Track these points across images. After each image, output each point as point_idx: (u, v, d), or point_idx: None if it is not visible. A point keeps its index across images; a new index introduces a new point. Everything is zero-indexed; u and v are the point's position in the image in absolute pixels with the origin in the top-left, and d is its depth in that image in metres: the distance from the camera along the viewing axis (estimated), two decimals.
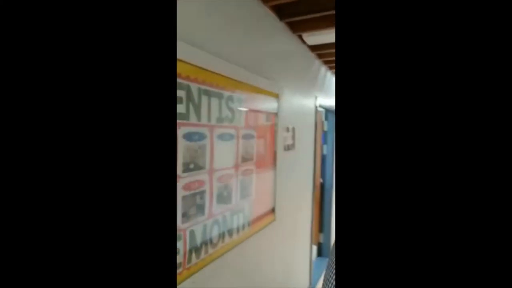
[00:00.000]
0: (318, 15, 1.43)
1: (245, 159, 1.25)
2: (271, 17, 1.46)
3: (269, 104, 1.46)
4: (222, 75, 1.06)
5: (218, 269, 1.09)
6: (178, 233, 0.88)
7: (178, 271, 0.89)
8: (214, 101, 1.03)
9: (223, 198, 1.11)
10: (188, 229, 0.93)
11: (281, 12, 1.50)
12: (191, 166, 0.93)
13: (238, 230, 1.22)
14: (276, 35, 1.54)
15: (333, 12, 1.39)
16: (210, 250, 1.05)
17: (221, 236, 1.11)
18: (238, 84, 1.16)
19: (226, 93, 1.10)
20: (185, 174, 0.90)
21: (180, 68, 0.86)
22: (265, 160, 1.45)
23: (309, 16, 1.47)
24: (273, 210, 1.57)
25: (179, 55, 0.85)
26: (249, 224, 1.32)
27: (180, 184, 0.88)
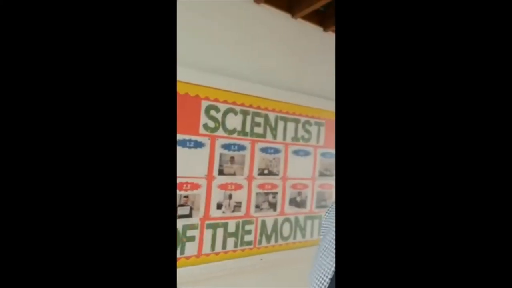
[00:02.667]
0: None
1: (323, 174, 1.46)
2: None
3: None
4: (298, 105, 1.36)
5: (287, 259, 1.35)
6: (251, 219, 1.23)
7: (250, 247, 1.23)
8: (290, 125, 1.34)
9: (296, 202, 1.37)
10: (260, 218, 1.26)
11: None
12: (265, 171, 1.27)
13: (312, 233, 1.43)
14: None
15: None
16: (280, 241, 1.33)
17: (293, 233, 1.37)
18: (315, 111, 1.42)
19: (303, 118, 1.38)
20: (259, 177, 1.25)
21: (259, 102, 1.24)
22: None
23: None
24: None
25: (261, 94, 1.23)
26: None
27: (254, 183, 1.24)
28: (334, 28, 1.41)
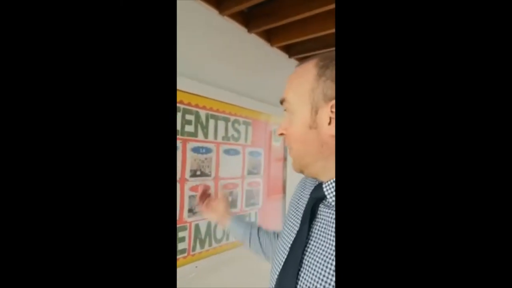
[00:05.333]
0: (324, 50, 1.66)
1: (251, 173, 1.48)
2: (279, 54, 1.73)
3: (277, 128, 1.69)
4: (228, 103, 1.34)
5: (221, 261, 1.30)
6: (184, 225, 1.14)
7: (184, 255, 1.14)
8: (221, 123, 1.31)
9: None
10: (193, 222, 1.18)
11: (290, 50, 1.77)
12: (198, 173, 1.20)
13: None
14: (285, 69, 1.79)
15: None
16: (214, 244, 1.27)
17: (226, 234, 1.33)
18: (243, 110, 1.43)
19: (232, 117, 1.37)
20: (192, 179, 1.17)
21: (189, 98, 1.16)
22: (275, 175, 1.66)
23: (317, 52, 1.70)
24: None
25: (188, 88, 1.16)
26: None
27: (187, 186, 1.15)
28: (257, 30, 1.46)
